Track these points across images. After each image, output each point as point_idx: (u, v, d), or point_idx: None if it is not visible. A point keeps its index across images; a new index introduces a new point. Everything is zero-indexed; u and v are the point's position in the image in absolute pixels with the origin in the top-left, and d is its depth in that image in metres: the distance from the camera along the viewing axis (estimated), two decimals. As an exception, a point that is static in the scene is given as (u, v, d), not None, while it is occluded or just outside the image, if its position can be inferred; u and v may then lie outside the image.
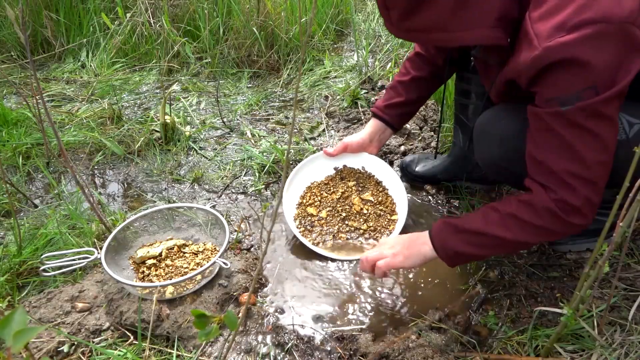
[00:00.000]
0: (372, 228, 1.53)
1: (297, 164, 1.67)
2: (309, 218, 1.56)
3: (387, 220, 1.55)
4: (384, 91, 2.36)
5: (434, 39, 1.02)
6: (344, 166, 1.69)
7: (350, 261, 1.45)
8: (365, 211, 1.57)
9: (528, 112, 1.03)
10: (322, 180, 1.66)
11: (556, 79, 0.92)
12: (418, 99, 1.57)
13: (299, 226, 1.55)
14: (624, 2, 0.85)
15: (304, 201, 1.61)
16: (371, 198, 1.59)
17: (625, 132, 1.05)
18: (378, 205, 1.59)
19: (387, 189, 1.64)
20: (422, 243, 1.17)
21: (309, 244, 1.48)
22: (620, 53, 0.87)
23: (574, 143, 0.96)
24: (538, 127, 1.01)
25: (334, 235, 1.52)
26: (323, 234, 1.52)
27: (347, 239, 1.51)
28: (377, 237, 1.51)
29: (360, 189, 1.63)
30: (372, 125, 1.62)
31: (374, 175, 1.68)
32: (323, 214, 1.56)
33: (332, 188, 1.64)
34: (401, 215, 1.54)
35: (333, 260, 1.46)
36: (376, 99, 2.32)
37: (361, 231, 1.52)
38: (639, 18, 0.86)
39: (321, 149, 1.90)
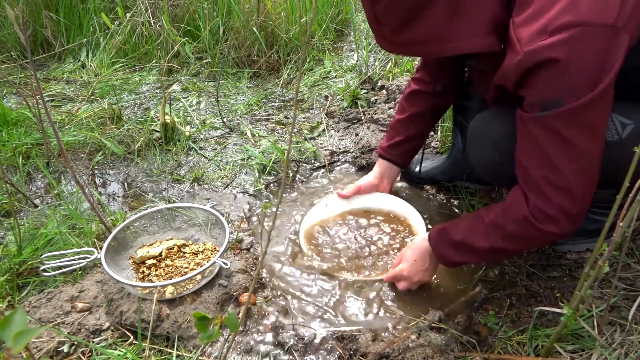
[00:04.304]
0: (392, 247, 1.50)
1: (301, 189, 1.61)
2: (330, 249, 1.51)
3: (408, 240, 1.51)
4: (384, 91, 2.37)
5: (429, 51, 1.03)
6: (357, 209, 1.65)
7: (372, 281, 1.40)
8: (382, 236, 1.54)
9: (516, 116, 1.03)
10: (336, 220, 1.62)
11: (537, 81, 0.92)
12: (418, 134, 1.60)
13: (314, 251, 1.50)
14: (609, 5, 0.84)
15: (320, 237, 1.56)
16: (388, 228, 1.57)
17: (618, 133, 1.05)
18: (395, 230, 1.56)
19: (402, 217, 1.60)
20: (430, 256, 1.26)
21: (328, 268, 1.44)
22: (601, 56, 0.86)
23: (549, 150, 0.96)
24: (521, 132, 1.02)
25: (353, 258, 1.47)
26: (341, 261, 1.47)
27: (366, 261, 1.46)
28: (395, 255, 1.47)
29: (374, 223, 1.60)
30: (379, 165, 1.66)
31: (384, 210, 1.64)
32: (344, 245, 1.52)
33: (346, 226, 1.60)
34: (420, 232, 1.50)
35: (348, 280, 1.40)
36: (376, 99, 2.32)
37: (381, 252, 1.48)
38: (630, 22, 0.85)
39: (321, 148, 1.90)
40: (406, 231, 1.55)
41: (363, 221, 1.60)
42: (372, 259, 1.46)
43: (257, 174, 1.89)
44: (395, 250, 1.48)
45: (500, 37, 0.99)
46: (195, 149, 2.06)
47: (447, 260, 1.21)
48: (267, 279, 1.42)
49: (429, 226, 1.57)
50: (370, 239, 1.53)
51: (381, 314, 1.29)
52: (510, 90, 1.01)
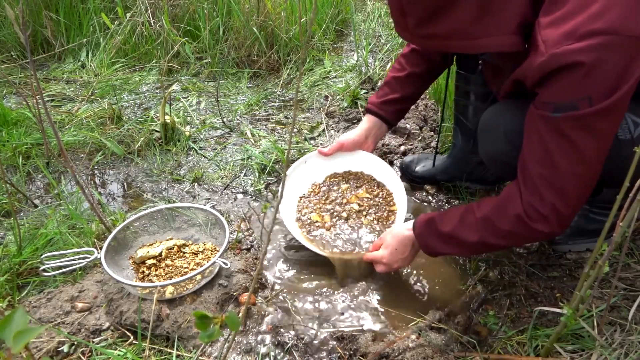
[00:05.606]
0: (372, 221, 1.51)
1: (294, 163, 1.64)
2: (313, 224, 1.53)
3: (386, 211, 1.54)
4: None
5: (453, 46, 1.01)
6: (334, 173, 1.66)
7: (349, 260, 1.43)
8: (362, 207, 1.55)
9: (528, 111, 1.03)
10: (316, 187, 1.63)
11: (556, 84, 0.92)
12: (414, 94, 1.58)
13: (302, 229, 1.51)
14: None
15: (303, 210, 1.57)
16: (367, 194, 1.58)
17: (630, 132, 1.05)
18: (375, 199, 1.57)
19: (382, 183, 1.61)
20: (411, 245, 1.27)
21: (310, 245, 1.45)
22: (623, 67, 0.86)
23: (553, 149, 0.97)
24: (529, 127, 1.03)
25: (335, 235, 1.49)
26: (324, 236, 1.49)
27: (347, 236, 1.48)
28: (378, 230, 1.48)
29: (354, 188, 1.61)
30: (367, 121, 1.59)
31: (365, 173, 1.65)
32: (327, 218, 1.53)
33: (326, 194, 1.61)
34: (400, 205, 1.52)
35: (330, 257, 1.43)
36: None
37: (362, 226, 1.50)
38: None
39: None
40: (385, 201, 1.56)
41: (341, 187, 1.61)
42: (348, 233, 1.48)
43: (257, 174, 1.89)
44: (374, 225, 1.49)
45: (525, 37, 0.98)
46: (195, 149, 2.06)
47: (432, 251, 1.22)
48: (267, 279, 1.42)
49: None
50: (348, 212, 1.53)
51: (381, 314, 1.30)
52: (527, 87, 1.01)
